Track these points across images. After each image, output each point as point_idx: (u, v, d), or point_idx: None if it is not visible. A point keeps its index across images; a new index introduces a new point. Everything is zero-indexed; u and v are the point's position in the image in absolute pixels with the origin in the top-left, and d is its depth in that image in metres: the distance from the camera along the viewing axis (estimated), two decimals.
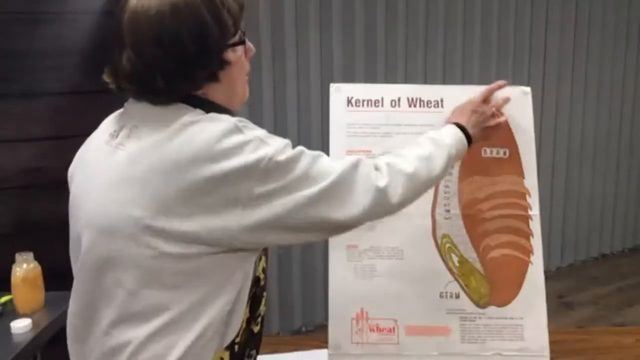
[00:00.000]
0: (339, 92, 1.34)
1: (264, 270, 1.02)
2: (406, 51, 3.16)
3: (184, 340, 0.85)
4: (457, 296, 1.27)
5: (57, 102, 2.24)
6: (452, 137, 1.11)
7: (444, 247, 1.28)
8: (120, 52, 0.86)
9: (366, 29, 3.03)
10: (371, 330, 1.25)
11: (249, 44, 0.96)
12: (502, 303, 1.27)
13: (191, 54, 0.85)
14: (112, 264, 0.86)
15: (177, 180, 0.81)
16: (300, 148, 0.90)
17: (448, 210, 1.29)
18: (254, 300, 0.99)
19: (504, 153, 1.32)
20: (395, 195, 0.94)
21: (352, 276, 1.25)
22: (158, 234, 0.82)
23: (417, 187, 0.99)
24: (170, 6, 0.83)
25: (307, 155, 0.89)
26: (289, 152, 0.87)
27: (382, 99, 1.34)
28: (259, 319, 1.03)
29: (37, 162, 2.30)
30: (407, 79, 3.15)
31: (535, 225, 1.30)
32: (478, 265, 1.28)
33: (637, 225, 4.08)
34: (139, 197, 0.83)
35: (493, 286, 1.28)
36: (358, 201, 0.90)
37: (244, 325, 0.96)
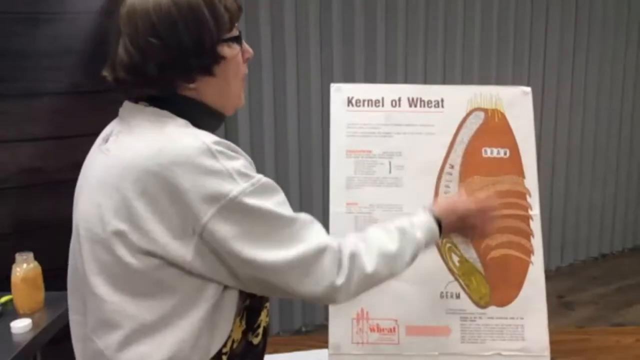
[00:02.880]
0: (339, 92, 1.34)
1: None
2: (406, 51, 3.16)
3: (159, 352, 0.84)
4: (458, 296, 1.27)
5: (57, 102, 2.24)
6: (425, 231, 1.04)
7: (444, 247, 1.28)
8: (118, 44, 0.87)
9: (366, 29, 3.03)
10: (371, 330, 1.25)
11: (246, 46, 0.97)
12: (503, 303, 1.27)
13: (186, 44, 0.86)
14: (89, 266, 0.87)
15: (142, 191, 0.82)
16: (284, 205, 0.88)
17: None
18: (251, 311, 0.98)
19: (504, 153, 1.32)
20: (347, 293, 0.92)
21: None
22: (122, 242, 0.83)
23: (373, 284, 0.96)
24: None
25: (285, 217, 0.86)
26: (264, 200, 0.84)
27: (382, 99, 1.34)
28: (259, 330, 1.01)
29: (37, 162, 2.30)
30: (407, 79, 3.15)
31: (536, 225, 1.30)
32: (478, 265, 1.28)
33: (637, 225, 4.08)
34: (111, 202, 0.84)
35: (493, 286, 1.28)
36: (308, 288, 0.88)
37: (239, 336, 0.95)
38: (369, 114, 1.33)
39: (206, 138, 0.84)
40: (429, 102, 1.34)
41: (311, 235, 0.89)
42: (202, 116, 0.93)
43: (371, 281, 0.95)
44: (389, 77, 3.10)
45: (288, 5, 2.83)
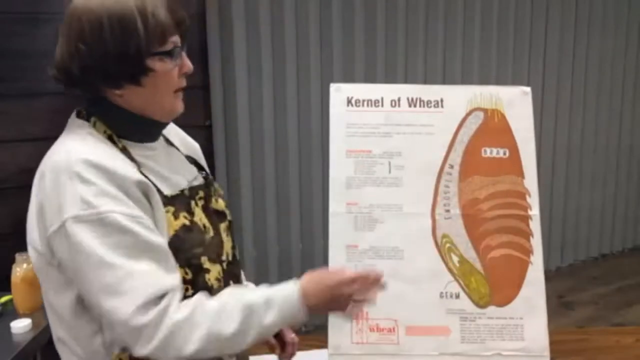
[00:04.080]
0: (339, 92, 1.34)
1: (188, 282, 0.95)
2: (406, 51, 3.16)
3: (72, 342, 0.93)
4: (457, 296, 1.27)
5: (57, 102, 2.24)
6: (280, 313, 0.94)
7: (444, 247, 1.28)
8: (57, 42, 0.94)
9: (366, 29, 3.03)
10: (371, 330, 1.25)
11: (185, 61, 0.98)
12: (502, 303, 1.27)
13: (111, 52, 0.89)
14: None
15: (34, 192, 0.92)
16: (120, 249, 0.85)
17: (448, 210, 1.29)
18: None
19: (504, 153, 1.32)
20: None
21: None
22: (28, 239, 0.93)
23: None
24: (103, 5, 0.89)
25: (107, 262, 0.84)
26: (94, 235, 0.84)
27: (382, 99, 1.33)
28: None
29: (37, 162, 2.30)
30: (407, 79, 3.15)
31: (535, 225, 1.30)
32: (478, 265, 1.28)
33: (637, 225, 4.08)
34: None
35: (493, 286, 1.28)
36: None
37: None
38: (369, 114, 1.32)
39: (76, 155, 0.88)
40: (429, 102, 1.34)
41: (118, 297, 0.84)
42: (126, 121, 0.97)
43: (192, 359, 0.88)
44: (389, 77, 3.10)
45: (288, 5, 2.83)
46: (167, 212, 0.94)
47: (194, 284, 0.96)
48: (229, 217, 1.13)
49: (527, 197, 1.31)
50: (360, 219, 1.28)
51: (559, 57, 3.56)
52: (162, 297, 0.86)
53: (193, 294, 0.94)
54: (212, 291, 0.98)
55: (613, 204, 3.92)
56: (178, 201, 0.98)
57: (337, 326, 1.24)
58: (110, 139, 0.96)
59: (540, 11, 3.46)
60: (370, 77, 3.06)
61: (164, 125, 1.04)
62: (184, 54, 0.99)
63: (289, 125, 2.92)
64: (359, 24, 3.00)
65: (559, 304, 3.26)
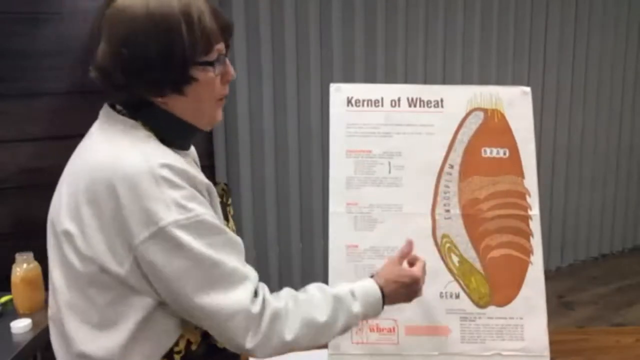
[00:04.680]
0: (339, 92, 1.34)
1: None
2: (406, 51, 3.16)
3: (100, 351, 0.87)
4: (457, 296, 1.27)
5: (57, 102, 2.24)
6: (364, 305, 1.01)
7: (444, 247, 1.28)
8: (98, 44, 0.89)
9: (366, 28, 3.03)
10: (371, 330, 1.25)
11: (229, 68, 0.96)
12: (502, 303, 1.27)
13: (153, 60, 0.86)
14: (51, 256, 0.95)
15: (91, 199, 0.85)
16: (219, 247, 0.86)
17: (448, 210, 1.29)
18: None
19: (504, 153, 1.32)
20: (264, 354, 0.90)
21: (352, 276, 1.25)
22: (69, 242, 0.87)
23: (293, 350, 0.93)
24: (147, 9, 0.85)
25: (213, 259, 0.85)
26: (196, 237, 0.84)
27: (382, 99, 1.34)
28: None
29: (37, 162, 2.30)
30: (407, 79, 3.15)
31: (535, 225, 1.30)
32: (478, 265, 1.28)
33: (637, 225, 4.08)
34: (67, 201, 0.88)
35: (493, 286, 1.28)
36: (221, 339, 0.90)
37: (198, 339, 0.93)
38: (369, 114, 1.33)
39: (155, 159, 0.85)
40: (429, 102, 1.34)
41: (233, 290, 0.87)
42: (172, 128, 0.93)
43: (290, 348, 0.92)
44: (389, 77, 3.10)
45: (288, 5, 2.83)
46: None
47: None
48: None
49: (527, 197, 1.31)
50: (360, 219, 1.28)
51: (559, 57, 3.56)
52: (257, 288, 0.91)
53: None
54: None
55: (613, 204, 3.92)
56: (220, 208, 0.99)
57: None
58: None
59: (540, 11, 3.46)
60: (370, 77, 3.06)
61: (201, 133, 1.01)
62: (227, 61, 0.96)
63: (289, 125, 2.93)
64: (359, 24, 3.00)
65: (559, 304, 3.26)
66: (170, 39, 0.86)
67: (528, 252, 1.29)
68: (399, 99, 1.33)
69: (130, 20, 0.86)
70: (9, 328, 1.50)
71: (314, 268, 3.03)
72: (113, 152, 0.87)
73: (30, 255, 1.62)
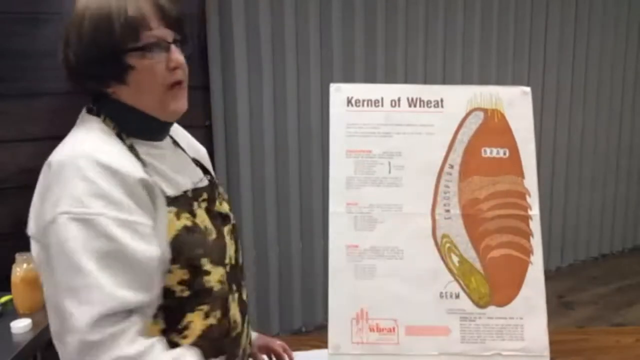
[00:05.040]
0: (339, 92, 1.34)
1: (185, 283, 0.94)
2: (406, 51, 3.16)
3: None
4: (457, 296, 1.27)
5: (57, 102, 2.24)
6: None
7: (444, 247, 1.28)
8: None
9: (366, 28, 3.03)
10: (371, 330, 1.25)
11: (174, 55, 0.95)
12: (502, 303, 1.27)
13: (88, 50, 0.91)
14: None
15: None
16: (98, 257, 0.82)
17: (448, 210, 1.29)
18: (170, 310, 0.94)
19: (504, 153, 1.32)
20: None
21: (352, 276, 1.25)
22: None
23: None
24: (85, 6, 0.92)
25: (81, 267, 0.81)
26: (77, 235, 0.82)
27: (382, 99, 1.33)
28: (188, 332, 0.95)
29: (37, 162, 2.30)
30: (407, 79, 3.15)
31: (535, 225, 1.29)
32: (478, 265, 1.28)
33: (637, 225, 4.08)
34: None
35: (493, 286, 1.27)
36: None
37: (156, 335, 0.91)
38: (369, 114, 1.32)
39: (81, 150, 0.88)
40: (429, 102, 1.34)
41: (81, 305, 0.81)
42: (126, 118, 0.96)
43: None
44: (389, 77, 3.10)
45: (288, 5, 2.83)
46: (170, 212, 0.94)
47: (192, 285, 0.95)
48: (232, 221, 1.12)
49: (527, 197, 1.31)
50: (360, 219, 1.28)
51: (559, 57, 3.57)
52: (121, 314, 0.83)
53: (190, 295, 0.94)
54: (212, 293, 0.98)
55: (613, 204, 3.92)
56: (181, 202, 0.97)
57: (337, 326, 1.24)
58: (119, 136, 0.95)
59: (540, 11, 3.47)
60: (370, 77, 3.06)
61: (167, 124, 1.03)
62: (173, 48, 0.96)
63: (289, 125, 2.92)
64: (359, 24, 3.00)
65: (559, 304, 3.26)
66: (100, 28, 0.90)
67: (528, 252, 1.29)
68: (399, 99, 1.33)
69: (71, 19, 0.93)
70: (9, 328, 1.50)
71: (314, 268, 3.03)
72: (63, 140, 0.94)
73: (30, 255, 1.62)
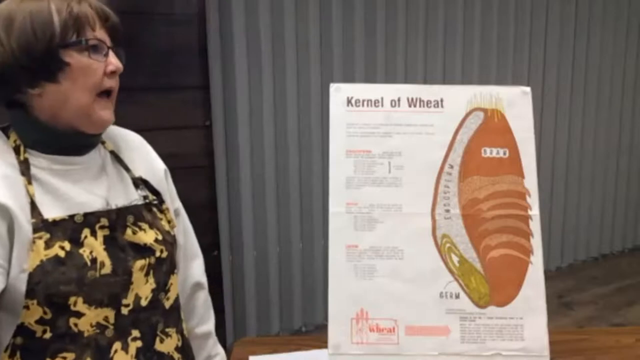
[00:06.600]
0: (339, 92, 1.34)
1: (46, 323, 0.87)
2: (406, 51, 3.16)
3: None
4: (457, 296, 1.27)
5: None
6: None
7: (444, 247, 1.28)
8: None
9: (366, 29, 3.03)
10: (371, 330, 1.25)
11: (111, 59, 0.92)
12: (502, 303, 1.27)
13: (21, 45, 0.86)
14: None
15: None
16: None
17: (448, 210, 1.29)
18: (27, 352, 0.87)
19: (504, 153, 1.32)
20: None
21: (352, 276, 1.25)
22: None
23: None
24: (18, 1, 0.87)
25: None
26: None
27: (382, 99, 1.33)
28: None
29: None
30: (407, 79, 3.15)
31: (535, 225, 1.29)
32: (478, 265, 1.28)
33: (637, 225, 4.08)
34: None
35: (493, 286, 1.27)
36: None
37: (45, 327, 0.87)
38: (369, 113, 1.32)
39: None
40: (429, 102, 1.34)
41: None
42: (35, 133, 0.91)
43: None
44: (389, 77, 3.10)
45: (288, 5, 2.83)
46: (39, 238, 0.85)
47: (54, 326, 0.87)
48: (157, 254, 0.98)
49: (527, 197, 1.31)
50: (360, 219, 1.28)
51: (559, 57, 3.57)
52: None
53: (52, 337, 0.87)
54: (79, 339, 0.89)
55: (613, 204, 3.92)
56: (60, 227, 0.87)
57: (337, 326, 1.24)
58: (17, 149, 0.90)
59: (540, 11, 3.47)
60: (370, 77, 3.06)
61: (89, 137, 0.95)
62: (111, 53, 0.93)
63: (289, 125, 2.92)
64: (359, 24, 3.00)
65: (559, 304, 3.26)
66: (37, 22, 0.86)
67: (528, 252, 1.29)
68: (398, 99, 1.33)
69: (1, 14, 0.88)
70: None
71: (314, 268, 3.03)
72: None
73: None
